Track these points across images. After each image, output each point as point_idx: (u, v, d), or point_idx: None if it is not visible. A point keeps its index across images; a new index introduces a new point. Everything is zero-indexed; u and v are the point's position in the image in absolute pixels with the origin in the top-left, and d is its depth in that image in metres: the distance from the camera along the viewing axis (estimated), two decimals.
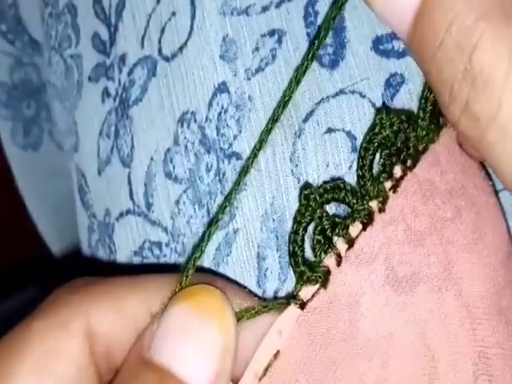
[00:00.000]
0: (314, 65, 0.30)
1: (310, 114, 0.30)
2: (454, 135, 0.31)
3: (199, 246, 0.27)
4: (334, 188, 0.28)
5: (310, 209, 0.28)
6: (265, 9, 0.31)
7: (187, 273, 0.26)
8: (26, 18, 0.54)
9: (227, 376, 0.25)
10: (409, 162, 0.28)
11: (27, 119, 0.60)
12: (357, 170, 0.28)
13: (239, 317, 0.27)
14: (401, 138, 0.28)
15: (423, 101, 0.28)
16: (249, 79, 0.31)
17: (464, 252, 0.29)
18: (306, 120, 0.30)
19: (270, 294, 0.29)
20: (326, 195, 0.28)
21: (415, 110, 0.30)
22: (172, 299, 0.26)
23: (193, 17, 0.32)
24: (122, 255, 0.34)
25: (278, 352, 0.27)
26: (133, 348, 0.26)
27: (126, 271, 0.33)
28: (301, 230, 0.28)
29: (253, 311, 0.27)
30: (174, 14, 0.33)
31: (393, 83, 0.30)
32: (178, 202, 0.32)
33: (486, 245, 0.29)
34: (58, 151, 0.61)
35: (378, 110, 0.29)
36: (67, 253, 0.66)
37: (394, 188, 0.28)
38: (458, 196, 0.29)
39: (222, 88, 0.31)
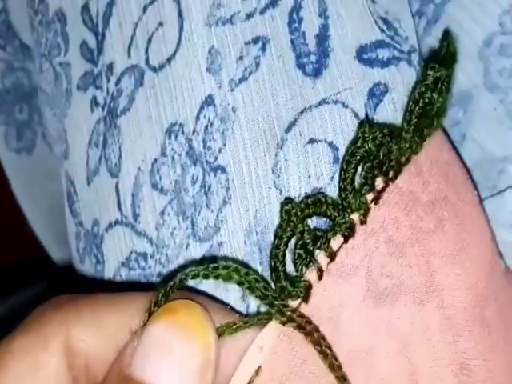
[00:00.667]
0: (298, 73, 0.30)
1: (293, 123, 0.30)
2: (438, 145, 0.31)
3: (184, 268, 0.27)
4: (315, 202, 0.28)
5: (292, 224, 0.28)
6: (249, 16, 0.31)
7: (166, 290, 0.26)
8: (16, 23, 0.54)
9: None
10: (391, 174, 0.28)
11: (20, 123, 0.60)
12: (339, 183, 0.28)
13: (220, 332, 0.26)
14: (383, 151, 0.28)
15: (408, 113, 0.28)
16: (232, 90, 0.31)
17: (447, 263, 0.29)
18: (288, 130, 0.30)
19: (253, 307, 0.29)
20: (307, 210, 0.28)
21: (398, 119, 0.30)
22: (152, 316, 0.26)
23: (181, 29, 0.32)
24: (110, 266, 0.34)
25: (259, 368, 0.27)
26: (114, 364, 0.26)
27: (110, 287, 0.33)
28: (282, 244, 0.28)
29: (234, 326, 0.27)
30: (161, 24, 0.32)
31: (376, 93, 0.30)
32: (162, 213, 0.32)
33: (469, 255, 0.29)
34: (51, 154, 0.61)
35: (361, 123, 0.29)
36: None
37: (376, 200, 0.28)
38: (441, 206, 0.29)
39: (209, 101, 0.31)
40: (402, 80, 0.31)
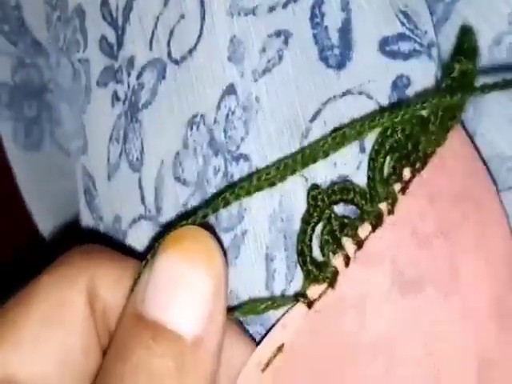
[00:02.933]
0: (321, 65, 0.30)
1: (317, 113, 0.30)
2: (459, 138, 0.31)
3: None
4: (343, 189, 0.28)
5: (318, 209, 0.28)
6: (271, 9, 0.31)
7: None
8: (29, 19, 0.54)
9: (221, 317, 0.26)
10: (417, 165, 0.29)
11: (29, 120, 0.60)
12: (367, 172, 0.29)
13: (247, 311, 0.27)
14: (412, 141, 0.28)
15: (434, 106, 0.28)
16: (256, 80, 0.31)
17: (470, 256, 0.29)
18: (312, 120, 0.30)
19: (277, 294, 0.29)
20: (333, 196, 0.28)
21: (422, 112, 0.30)
22: (160, 246, 0.26)
23: (202, 19, 0.32)
24: None
25: (282, 345, 0.27)
26: (127, 302, 0.26)
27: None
28: (309, 229, 0.28)
29: (261, 306, 0.27)
30: (182, 16, 0.33)
31: (399, 85, 0.30)
32: (185, 205, 0.32)
33: (491, 248, 0.30)
34: (59, 152, 0.61)
35: (391, 113, 0.29)
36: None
37: (403, 190, 0.28)
38: (464, 199, 0.30)
39: (230, 90, 0.31)
40: (422, 73, 0.31)
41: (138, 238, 0.34)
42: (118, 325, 0.26)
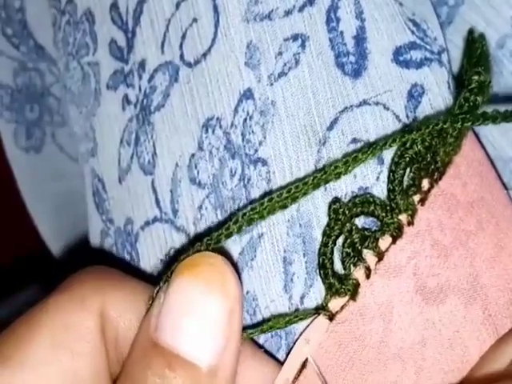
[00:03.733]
0: (337, 72, 0.31)
1: (335, 122, 0.30)
2: (471, 145, 0.31)
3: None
4: (363, 202, 0.28)
5: (339, 223, 0.28)
6: (288, 13, 0.31)
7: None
8: (32, 22, 0.54)
9: (236, 343, 0.25)
10: (436, 175, 0.29)
11: (30, 122, 0.60)
12: (387, 184, 0.29)
13: (271, 326, 0.27)
14: (430, 152, 0.28)
15: (452, 117, 0.29)
16: (272, 84, 0.31)
17: (489, 264, 0.29)
18: (330, 128, 0.30)
19: (296, 299, 0.29)
20: (354, 209, 0.28)
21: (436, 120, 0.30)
22: (174, 272, 0.26)
23: (216, 24, 0.32)
24: (146, 263, 0.34)
25: (306, 360, 0.27)
26: (141, 327, 0.26)
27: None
28: (330, 242, 0.28)
29: (284, 320, 0.27)
30: (195, 20, 0.33)
31: (414, 94, 0.30)
32: (200, 208, 0.32)
33: (507, 255, 0.30)
34: (59, 154, 0.61)
35: (409, 125, 0.29)
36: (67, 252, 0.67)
37: (422, 201, 0.29)
38: (479, 208, 0.30)
39: (248, 95, 0.31)
40: (435, 80, 0.31)
41: (153, 241, 0.34)
42: (130, 352, 0.26)
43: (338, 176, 0.27)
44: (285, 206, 0.27)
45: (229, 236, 0.26)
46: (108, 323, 0.26)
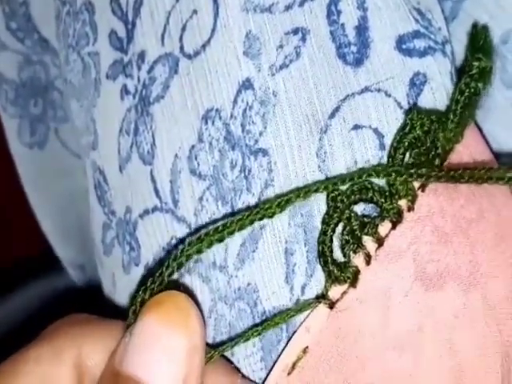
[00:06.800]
0: (339, 62, 0.30)
1: (336, 110, 0.30)
2: (474, 135, 0.31)
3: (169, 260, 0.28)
4: (361, 189, 0.28)
5: (338, 210, 0.28)
6: (288, 7, 0.31)
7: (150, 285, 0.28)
8: (36, 16, 0.54)
9: (197, 375, 0.26)
10: (436, 162, 0.29)
11: (34, 117, 0.60)
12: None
13: (275, 321, 0.27)
14: (430, 138, 0.28)
15: (454, 103, 0.28)
16: (273, 75, 0.31)
17: (489, 253, 0.29)
18: (332, 116, 0.30)
19: (297, 289, 0.29)
20: (353, 196, 0.28)
21: (438, 108, 0.30)
22: (141, 311, 0.27)
23: (216, 15, 0.32)
24: (148, 252, 0.34)
25: (306, 348, 0.27)
26: (107, 363, 0.27)
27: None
28: (329, 230, 0.28)
29: (287, 314, 0.27)
30: (195, 11, 0.33)
31: (416, 82, 0.30)
32: (201, 199, 0.32)
33: (508, 245, 0.30)
34: (63, 150, 0.61)
35: (409, 110, 0.29)
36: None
37: (423, 187, 0.28)
38: (480, 196, 0.30)
39: (247, 84, 0.31)
40: (438, 70, 0.31)
41: (154, 230, 0.34)
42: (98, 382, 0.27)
43: (271, 215, 0.28)
44: (221, 240, 0.28)
45: (170, 274, 0.28)
46: (85, 373, 0.27)
